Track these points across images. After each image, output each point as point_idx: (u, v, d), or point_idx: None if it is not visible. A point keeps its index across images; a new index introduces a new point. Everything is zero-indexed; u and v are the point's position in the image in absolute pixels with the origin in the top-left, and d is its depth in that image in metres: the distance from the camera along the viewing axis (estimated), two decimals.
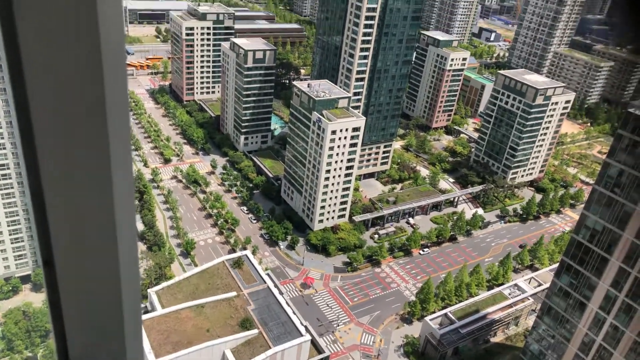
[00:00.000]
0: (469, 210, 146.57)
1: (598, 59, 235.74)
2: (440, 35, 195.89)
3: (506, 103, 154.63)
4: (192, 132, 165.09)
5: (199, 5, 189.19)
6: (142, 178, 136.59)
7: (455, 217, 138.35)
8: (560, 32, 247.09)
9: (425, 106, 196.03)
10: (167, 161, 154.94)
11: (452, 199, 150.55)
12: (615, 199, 66.69)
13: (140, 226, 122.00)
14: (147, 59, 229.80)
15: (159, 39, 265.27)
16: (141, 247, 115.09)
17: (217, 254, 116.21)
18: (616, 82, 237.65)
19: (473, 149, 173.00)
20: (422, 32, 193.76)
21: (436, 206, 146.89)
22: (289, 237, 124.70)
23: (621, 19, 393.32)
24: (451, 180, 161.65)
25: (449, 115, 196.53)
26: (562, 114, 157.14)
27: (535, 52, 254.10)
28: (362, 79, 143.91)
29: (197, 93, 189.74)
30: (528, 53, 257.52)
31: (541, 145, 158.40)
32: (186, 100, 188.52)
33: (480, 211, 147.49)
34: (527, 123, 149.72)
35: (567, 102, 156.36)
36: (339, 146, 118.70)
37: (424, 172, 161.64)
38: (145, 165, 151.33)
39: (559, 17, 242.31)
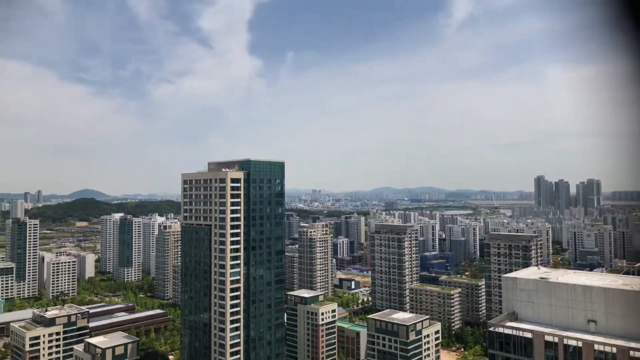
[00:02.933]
0: None
1: (447, 287, 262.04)
2: (306, 293, 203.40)
3: (384, 345, 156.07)
4: None
5: (46, 310, 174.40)
6: None
7: None
8: (408, 270, 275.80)
9: None
10: None
11: None
12: None
13: None
14: None
15: None
16: None
17: None
18: (468, 305, 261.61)
19: None
20: (288, 293, 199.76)
21: None
22: None
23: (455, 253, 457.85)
24: None
25: None
26: (436, 345, 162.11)
27: (393, 291, 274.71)
28: (237, 352, 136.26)
29: None
30: (388, 294, 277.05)
31: None
32: None
33: None
34: None
35: (437, 332, 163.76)
36: None
37: None
38: None
39: (403, 257, 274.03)
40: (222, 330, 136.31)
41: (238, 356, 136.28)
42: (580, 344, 64.10)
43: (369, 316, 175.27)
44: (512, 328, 70.02)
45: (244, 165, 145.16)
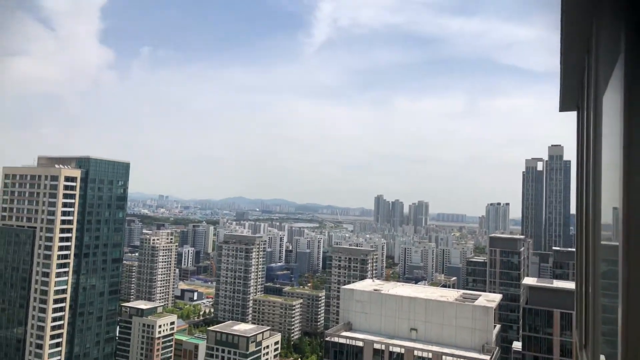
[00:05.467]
0: None
1: (289, 299, 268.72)
2: (143, 304, 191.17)
3: (222, 358, 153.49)
4: None
5: None
6: None
7: None
8: (253, 281, 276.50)
9: None
10: None
11: None
12: None
13: None
14: None
15: None
16: None
17: None
18: (309, 315, 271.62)
19: None
20: (123, 304, 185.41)
21: None
22: None
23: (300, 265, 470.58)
24: None
25: None
26: (275, 356, 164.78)
27: (237, 302, 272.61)
28: None
29: None
30: (231, 305, 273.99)
31: None
32: None
33: None
34: None
35: (276, 343, 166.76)
36: None
37: None
38: None
39: (250, 268, 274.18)
40: (40, 346, 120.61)
41: None
42: (403, 350, 70.80)
43: (209, 328, 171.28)
44: (346, 337, 74.47)
45: (83, 163, 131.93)
